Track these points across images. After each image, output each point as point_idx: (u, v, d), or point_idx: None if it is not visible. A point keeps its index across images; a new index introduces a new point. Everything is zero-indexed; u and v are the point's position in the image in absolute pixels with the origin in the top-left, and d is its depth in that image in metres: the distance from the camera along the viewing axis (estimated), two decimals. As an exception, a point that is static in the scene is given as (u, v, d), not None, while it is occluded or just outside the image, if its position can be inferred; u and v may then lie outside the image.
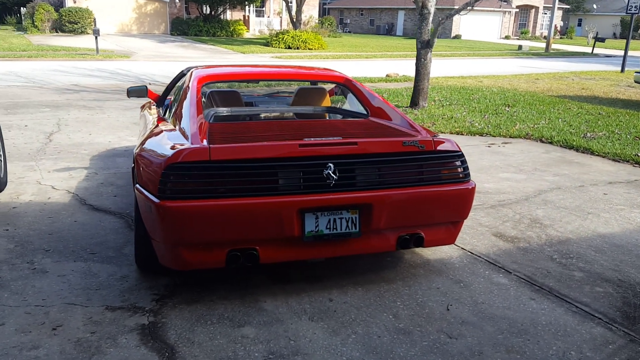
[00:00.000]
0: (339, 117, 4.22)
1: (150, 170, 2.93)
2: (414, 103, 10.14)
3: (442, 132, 8.42)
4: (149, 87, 4.69)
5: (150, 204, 2.83)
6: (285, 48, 26.14)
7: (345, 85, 4.16)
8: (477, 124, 8.74)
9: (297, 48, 26.04)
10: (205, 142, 2.97)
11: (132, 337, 2.69)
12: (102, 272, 3.38)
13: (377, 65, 20.13)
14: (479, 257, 3.75)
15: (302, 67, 4.51)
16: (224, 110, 4.04)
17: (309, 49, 26.03)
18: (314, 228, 2.97)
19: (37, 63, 16.74)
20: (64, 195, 4.87)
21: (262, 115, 4.18)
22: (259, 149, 2.90)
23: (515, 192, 5.32)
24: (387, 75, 15.86)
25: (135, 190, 3.07)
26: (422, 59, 9.97)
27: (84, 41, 24.55)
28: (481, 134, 8.21)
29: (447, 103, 10.97)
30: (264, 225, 2.87)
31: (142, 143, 3.33)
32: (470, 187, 3.25)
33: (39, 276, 3.32)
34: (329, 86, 5.01)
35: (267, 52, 23.88)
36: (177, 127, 3.33)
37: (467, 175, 3.28)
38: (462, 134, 8.27)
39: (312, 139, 3.05)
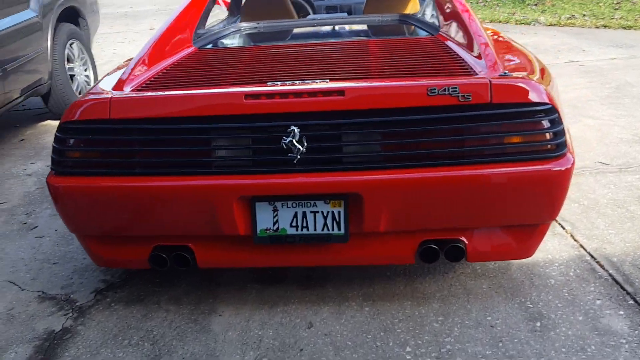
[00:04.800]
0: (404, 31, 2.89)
1: None
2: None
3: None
4: None
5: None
6: None
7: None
8: None
9: None
10: (127, 88, 2.07)
11: (24, 351, 2.06)
12: (79, 237, 2.81)
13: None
14: (603, 268, 2.29)
15: None
16: (246, 27, 3.00)
17: None
18: (272, 225, 1.93)
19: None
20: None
21: (296, 30, 3.04)
22: (180, 101, 1.89)
23: None
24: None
25: None
26: None
27: None
28: None
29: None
30: (192, 217, 1.92)
31: None
32: (563, 168, 1.83)
33: (20, 235, 2.88)
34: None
35: None
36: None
37: (561, 146, 1.84)
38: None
39: (278, 83, 1.93)
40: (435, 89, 1.79)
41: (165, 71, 2.26)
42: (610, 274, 2.24)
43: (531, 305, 2.10)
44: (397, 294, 2.21)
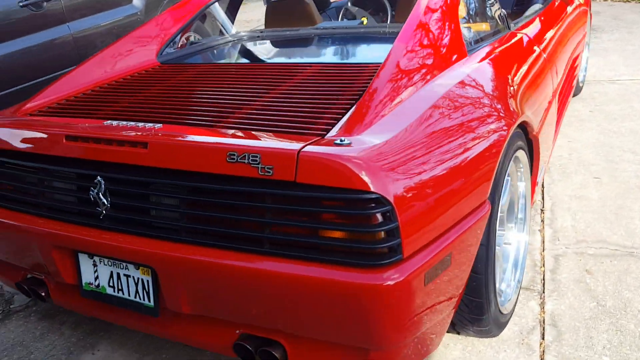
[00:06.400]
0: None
1: None
2: None
3: None
4: None
5: None
6: None
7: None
8: None
9: None
10: (23, 112, 2.05)
11: (-61, 344, 2.25)
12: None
13: None
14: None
15: None
16: (245, 36, 2.74)
17: None
18: (94, 281, 1.74)
19: None
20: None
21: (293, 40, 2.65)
22: (16, 134, 1.79)
23: None
24: None
25: None
26: None
27: None
28: None
29: None
30: (26, 255, 1.85)
31: None
32: (393, 282, 1.29)
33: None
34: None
35: None
36: None
37: (393, 250, 1.30)
38: None
39: (114, 123, 1.71)
40: (235, 155, 1.39)
41: (86, 93, 2.17)
42: None
43: None
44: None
